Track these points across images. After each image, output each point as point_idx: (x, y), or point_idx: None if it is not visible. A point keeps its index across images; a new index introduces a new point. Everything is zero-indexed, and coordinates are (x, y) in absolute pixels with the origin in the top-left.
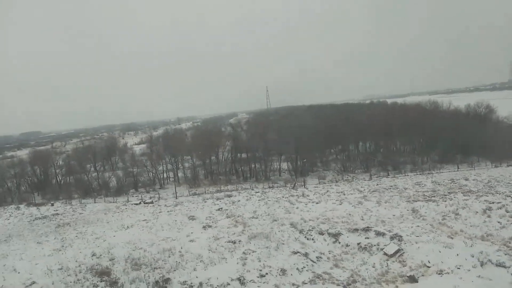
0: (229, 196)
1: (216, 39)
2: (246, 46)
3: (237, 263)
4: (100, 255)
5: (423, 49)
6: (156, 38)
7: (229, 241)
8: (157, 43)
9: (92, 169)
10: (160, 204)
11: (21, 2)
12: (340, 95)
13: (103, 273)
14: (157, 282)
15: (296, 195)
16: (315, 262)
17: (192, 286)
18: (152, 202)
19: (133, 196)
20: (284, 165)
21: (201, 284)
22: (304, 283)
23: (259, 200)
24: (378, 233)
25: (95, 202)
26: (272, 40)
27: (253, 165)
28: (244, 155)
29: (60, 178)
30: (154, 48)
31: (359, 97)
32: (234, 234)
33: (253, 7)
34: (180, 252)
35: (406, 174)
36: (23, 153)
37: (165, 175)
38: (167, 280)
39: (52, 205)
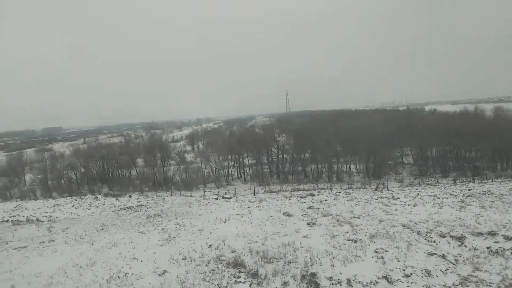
0: (312, 195)
1: (232, 40)
2: (262, 46)
3: (375, 261)
4: (218, 247)
5: (427, 56)
6: (169, 41)
7: (348, 239)
8: (170, 47)
9: (142, 163)
10: (243, 200)
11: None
12: (339, 103)
13: (238, 265)
14: (303, 276)
15: (386, 197)
16: (455, 265)
17: (340, 282)
18: (230, 198)
19: (200, 191)
20: (347, 167)
21: (349, 280)
22: (454, 285)
23: (347, 201)
24: (507, 238)
25: (170, 196)
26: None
27: (314, 166)
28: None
29: (118, 171)
30: (168, 51)
31: (361, 104)
32: (347, 232)
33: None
34: (302, 247)
35: (493, 180)
36: (59, 147)
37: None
38: (313, 275)
39: (130, 196)
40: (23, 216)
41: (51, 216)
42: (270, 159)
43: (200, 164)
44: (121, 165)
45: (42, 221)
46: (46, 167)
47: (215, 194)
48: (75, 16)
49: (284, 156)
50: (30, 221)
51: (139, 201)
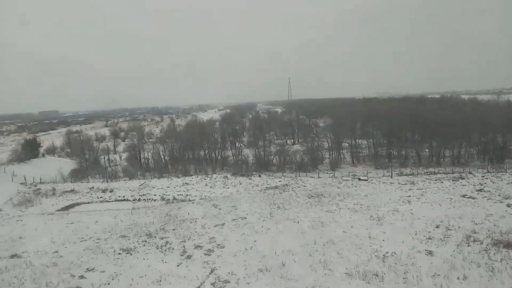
0: (462, 178)
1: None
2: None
3: None
4: (449, 226)
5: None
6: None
7: None
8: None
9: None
10: (392, 182)
11: None
12: (337, 92)
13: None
14: None
15: None
16: None
17: None
18: (367, 179)
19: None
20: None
21: None
22: None
23: None
24: None
25: (306, 176)
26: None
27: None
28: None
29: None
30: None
31: (362, 94)
32: None
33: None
34: None
35: None
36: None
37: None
38: None
39: (260, 176)
40: (161, 195)
41: (187, 194)
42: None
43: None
44: (217, 146)
45: (193, 200)
46: (139, 146)
47: (346, 176)
48: None
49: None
50: (179, 200)
51: (280, 181)
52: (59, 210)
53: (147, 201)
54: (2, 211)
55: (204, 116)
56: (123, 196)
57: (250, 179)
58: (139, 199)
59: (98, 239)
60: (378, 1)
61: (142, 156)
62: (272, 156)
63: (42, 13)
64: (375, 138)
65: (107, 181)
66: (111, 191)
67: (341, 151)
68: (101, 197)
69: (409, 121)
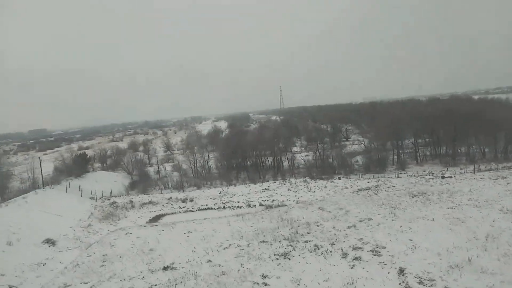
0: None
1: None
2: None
3: None
4: None
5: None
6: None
7: None
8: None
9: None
10: (475, 178)
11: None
12: (335, 98)
13: None
14: None
15: None
16: None
17: None
18: (451, 177)
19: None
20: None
21: None
22: None
23: None
24: None
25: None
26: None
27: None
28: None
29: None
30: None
31: (355, 99)
32: None
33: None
34: None
35: None
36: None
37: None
38: None
39: (339, 179)
40: (245, 202)
41: (273, 200)
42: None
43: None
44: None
45: (289, 205)
46: (194, 156)
47: (428, 175)
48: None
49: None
50: (275, 206)
51: (369, 182)
52: (148, 222)
53: (233, 208)
54: (92, 226)
55: (202, 127)
56: (206, 205)
57: (332, 182)
58: (224, 207)
59: (239, 245)
60: (362, 12)
61: (195, 165)
62: (332, 159)
63: (21, 29)
64: (433, 137)
65: (182, 191)
66: (191, 200)
67: (400, 152)
68: (183, 207)
69: (472, 120)
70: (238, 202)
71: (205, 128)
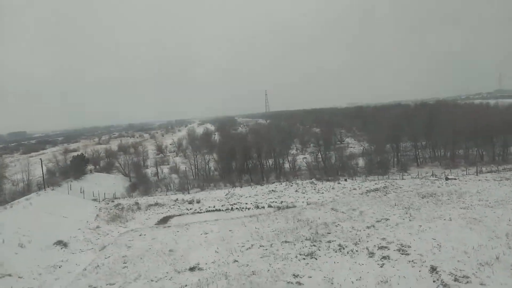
0: None
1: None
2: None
3: None
4: None
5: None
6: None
7: None
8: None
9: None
10: (480, 179)
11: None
12: (319, 102)
13: None
14: None
15: None
16: None
17: None
18: (456, 178)
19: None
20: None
21: None
22: None
23: None
24: None
25: (389, 178)
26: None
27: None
28: None
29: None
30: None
31: (339, 104)
32: None
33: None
34: None
35: None
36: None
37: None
38: None
39: (346, 180)
40: (253, 203)
41: (281, 201)
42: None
43: None
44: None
45: (299, 206)
46: (195, 158)
47: (432, 176)
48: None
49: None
50: (284, 207)
51: (376, 183)
52: (158, 224)
53: (241, 210)
54: (101, 228)
55: (183, 132)
56: (214, 207)
57: (339, 183)
58: (232, 208)
59: (261, 246)
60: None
61: (196, 167)
62: (334, 161)
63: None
64: (431, 140)
65: (188, 193)
66: (198, 202)
67: (399, 154)
68: (190, 209)
69: (473, 124)
70: (246, 203)
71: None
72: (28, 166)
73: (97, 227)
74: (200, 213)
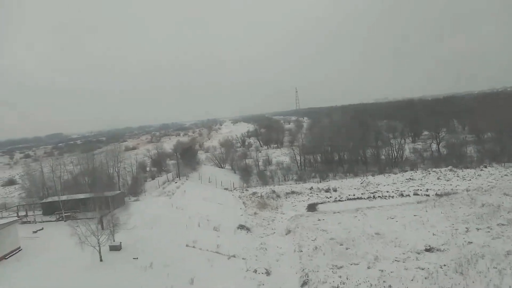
0: None
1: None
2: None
3: None
4: None
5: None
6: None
7: None
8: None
9: None
10: None
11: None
12: (343, 99)
13: None
14: None
15: None
16: None
17: None
18: None
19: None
20: None
21: None
22: None
23: None
24: None
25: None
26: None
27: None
28: None
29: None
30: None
31: (365, 100)
32: None
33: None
34: None
35: None
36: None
37: None
38: None
39: (486, 167)
40: (395, 191)
41: (427, 189)
42: None
43: None
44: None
45: (460, 193)
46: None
47: None
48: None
49: None
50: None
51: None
52: (308, 210)
53: (384, 198)
54: (258, 214)
55: (224, 130)
56: (354, 195)
57: (481, 170)
58: (374, 196)
59: (478, 228)
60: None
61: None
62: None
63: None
64: None
65: (321, 182)
66: (335, 190)
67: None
68: (330, 197)
69: None
70: (387, 191)
71: (225, 129)
72: (136, 160)
73: (255, 213)
74: (342, 201)
